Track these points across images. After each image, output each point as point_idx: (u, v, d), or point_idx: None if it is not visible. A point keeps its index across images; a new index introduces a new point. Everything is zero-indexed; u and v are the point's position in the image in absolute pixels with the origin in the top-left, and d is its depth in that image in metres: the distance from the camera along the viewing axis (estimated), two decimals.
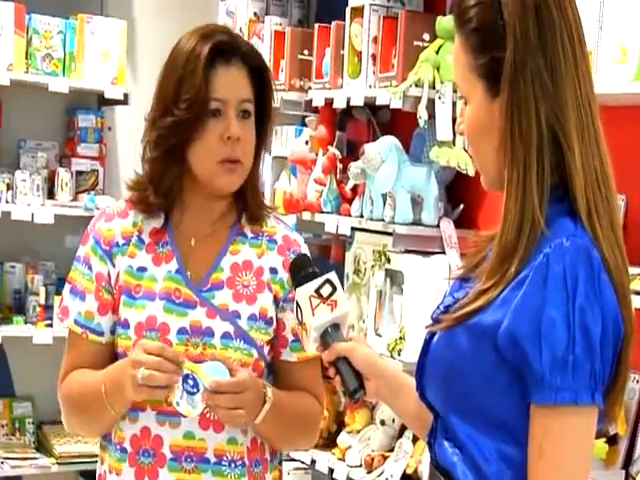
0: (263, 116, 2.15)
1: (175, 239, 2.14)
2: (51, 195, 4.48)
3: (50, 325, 4.36)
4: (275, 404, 2.05)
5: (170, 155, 2.09)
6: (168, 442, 2.05)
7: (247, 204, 2.18)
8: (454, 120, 3.02)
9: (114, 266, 2.12)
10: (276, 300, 2.14)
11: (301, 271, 1.85)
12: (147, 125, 2.14)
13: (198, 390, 1.96)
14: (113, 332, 2.13)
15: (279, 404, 2.06)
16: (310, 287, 1.79)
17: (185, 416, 2.00)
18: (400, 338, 3.18)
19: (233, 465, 2.08)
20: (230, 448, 2.07)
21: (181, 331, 2.06)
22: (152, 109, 2.13)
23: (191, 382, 1.96)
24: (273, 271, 2.14)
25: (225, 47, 2.09)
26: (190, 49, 2.07)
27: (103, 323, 2.12)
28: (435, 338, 1.64)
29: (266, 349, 2.12)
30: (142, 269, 2.11)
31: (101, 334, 2.12)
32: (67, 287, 2.18)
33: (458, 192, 3.36)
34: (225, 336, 2.07)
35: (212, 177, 2.09)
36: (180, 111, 2.04)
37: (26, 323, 4.39)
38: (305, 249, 2.21)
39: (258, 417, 2.03)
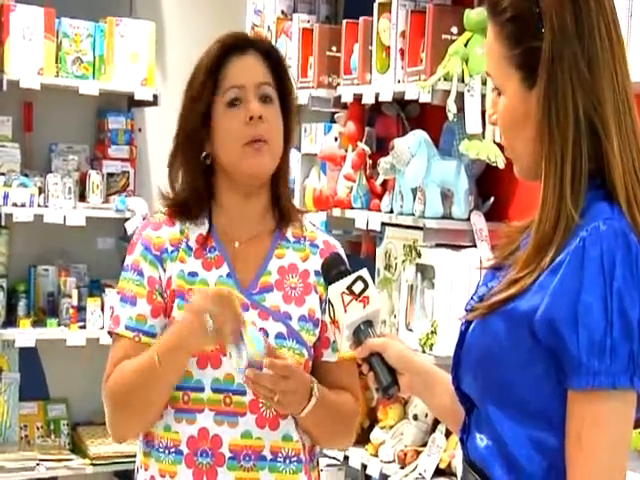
0: (286, 104, 2.17)
1: (222, 244, 2.16)
2: (82, 198, 4.50)
3: (83, 327, 4.39)
4: (321, 400, 2.07)
5: (194, 161, 2.14)
6: (227, 442, 2.07)
7: (280, 201, 2.20)
8: (483, 113, 3.00)
9: (164, 271, 2.13)
10: (321, 302, 2.16)
11: (333, 269, 1.84)
12: (170, 159, 2.18)
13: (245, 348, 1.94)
14: None
15: (324, 400, 2.08)
16: (342, 284, 1.77)
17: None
18: (432, 332, 3.16)
19: (288, 461, 2.11)
20: (285, 445, 2.10)
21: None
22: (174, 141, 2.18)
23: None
24: (318, 274, 2.16)
25: (238, 42, 2.13)
26: (204, 65, 2.13)
27: (156, 325, 2.12)
28: (470, 328, 1.63)
29: (312, 350, 2.16)
30: (193, 274, 2.13)
31: (153, 336, 2.12)
32: (117, 297, 2.17)
33: (488, 185, 3.34)
34: (279, 336, 2.10)
35: (240, 161, 2.10)
36: (189, 111, 2.12)
37: (59, 325, 4.40)
38: (343, 253, 2.22)
39: (304, 410, 2.05)
